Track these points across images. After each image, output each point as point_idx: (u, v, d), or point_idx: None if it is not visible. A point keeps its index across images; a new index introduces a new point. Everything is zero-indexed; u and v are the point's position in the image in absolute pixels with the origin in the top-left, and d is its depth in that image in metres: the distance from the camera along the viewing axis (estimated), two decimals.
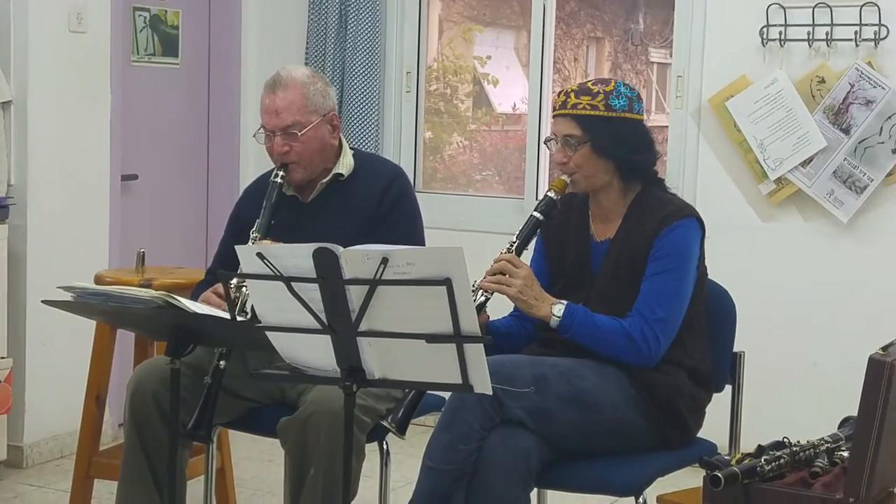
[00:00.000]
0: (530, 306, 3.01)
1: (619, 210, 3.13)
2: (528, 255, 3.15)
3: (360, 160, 3.52)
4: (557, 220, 3.15)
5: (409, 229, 3.42)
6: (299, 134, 3.34)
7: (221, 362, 3.13)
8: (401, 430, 2.93)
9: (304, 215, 3.41)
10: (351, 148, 3.55)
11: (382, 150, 5.30)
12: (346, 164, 3.47)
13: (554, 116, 3.14)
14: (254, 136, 3.50)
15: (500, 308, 3.11)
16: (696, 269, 3.08)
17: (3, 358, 4.39)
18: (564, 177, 3.10)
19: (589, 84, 3.11)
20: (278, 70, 3.46)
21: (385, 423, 3.01)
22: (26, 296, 4.52)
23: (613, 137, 3.06)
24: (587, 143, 3.06)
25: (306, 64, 5.34)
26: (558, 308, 2.99)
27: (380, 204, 3.41)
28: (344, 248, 2.38)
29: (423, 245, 3.37)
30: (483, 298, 2.98)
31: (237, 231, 3.48)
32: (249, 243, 3.18)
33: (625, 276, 3.05)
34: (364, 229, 3.22)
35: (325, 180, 3.45)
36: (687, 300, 3.04)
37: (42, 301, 2.98)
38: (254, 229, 3.29)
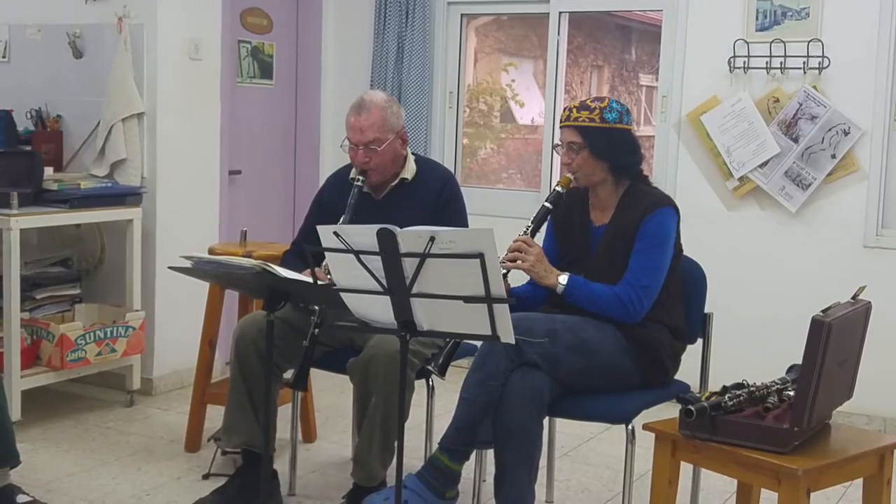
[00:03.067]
0: (541, 277, 3.00)
1: (613, 201, 3.11)
2: (540, 237, 3.13)
3: (420, 165, 3.46)
4: (564, 210, 3.13)
5: (458, 222, 3.38)
6: (378, 149, 3.30)
7: (316, 330, 3.13)
8: (442, 374, 2.94)
9: (376, 210, 3.35)
10: (412, 153, 3.50)
11: (430, 153, 5.29)
12: (410, 170, 3.42)
13: (560, 127, 3.11)
14: (340, 146, 3.42)
15: (519, 277, 3.10)
16: (673, 246, 3.05)
17: (137, 311, 4.43)
18: (569, 175, 3.09)
19: (588, 101, 3.08)
20: (362, 95, 3.39)
21: (430, 368, 3.03)
22: (155, 263, 4.55)
23: (607, 144, 3.04)
24: (587, 149, 3.04)
25: (371, 84, 5.34)
26: (563, 278, 2.98)
27: (436, 202, 3.37)
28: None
29: None
30: (505, 271, 2.96)
31: (318, 211, 3.48)
32: None
33: (617, 252, 3.03)
34: (423, 222, 3.15)
35: (393, 183, 3.41)
36: (665, 271, 3.02)
37: (168, 267, 3.00)
38: (339, 222, 3.25)
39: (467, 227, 3.42)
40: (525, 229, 3.05)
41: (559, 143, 3.11)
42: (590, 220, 3.15)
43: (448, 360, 2.96)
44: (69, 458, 3.83)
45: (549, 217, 3.11)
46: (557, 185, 3.10)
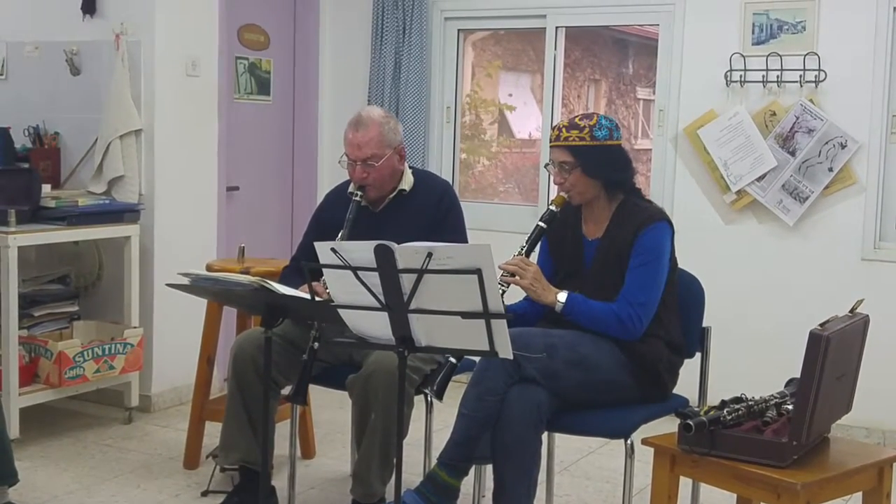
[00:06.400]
0: (539, 295, 3.00)
1: (606, 214, 3.11)
2: (534, 256, 3.13)
3: (417, 177, 3.48)
4: (557, 224, 3.13)
5: (457, 232, 3.39)
6: (376, 164, 3.31)
7: (315, 344, 3.13)
8: (438, 397, 2.93)
9: (375, 222, 3.36)
10: (410, 166, 3.51)
11: (428, 167, 5.29)
12: (407, 182, 3.44)
13: (550, 147, 3.11)
14: (339, 161, 3.44)
15: (515, 294, 3.09)
16: (668, 261, 3.06)
17: (136, 328, 4.42)
18: (563, 194, 3.10)
19: (576, 119, 3.07)
20: (360, 111, 3.41)
21: (427, 391, 3.02)
22: (153, 280, 4.55)
23: (599, 161, 3.04)
24: (578, 167, 3.04)
25: (368, 99, 5.35)
26: (562, 296, 2.98)
27: (435, 214, 3.38)
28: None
29: (467, 242, 3.35)
30: (501, 290, 2.96)
31: (317, 226, 3.48)
32: None
33: (611, 267, 3.03)
34: (422, 233, 3.16)
35: (391, 195, 3.42)
36: (662, 287, 3.02)
37: (166, 284, 3.00)
38: (338, 238, 3.24)
39: (466, 235, 3.44)
40: (519, 249, 3.04)
41: (550, 162, 3.12)
42: (582, 234, 3.15)
43: (445, 382, 2.96)
44: (68, 475, 3.82)
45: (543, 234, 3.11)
46: (552, 203, 3.10)
